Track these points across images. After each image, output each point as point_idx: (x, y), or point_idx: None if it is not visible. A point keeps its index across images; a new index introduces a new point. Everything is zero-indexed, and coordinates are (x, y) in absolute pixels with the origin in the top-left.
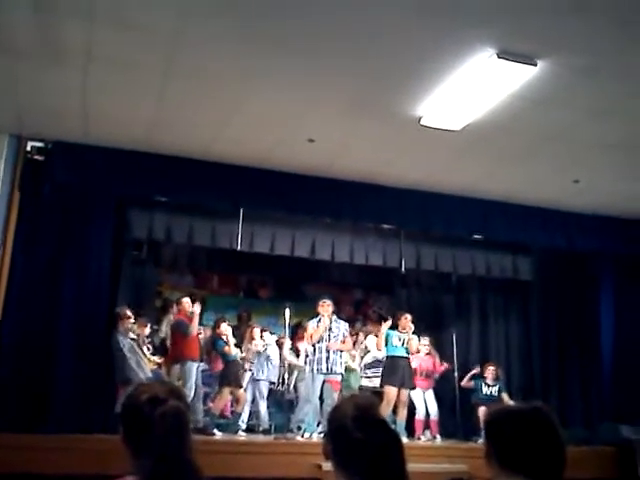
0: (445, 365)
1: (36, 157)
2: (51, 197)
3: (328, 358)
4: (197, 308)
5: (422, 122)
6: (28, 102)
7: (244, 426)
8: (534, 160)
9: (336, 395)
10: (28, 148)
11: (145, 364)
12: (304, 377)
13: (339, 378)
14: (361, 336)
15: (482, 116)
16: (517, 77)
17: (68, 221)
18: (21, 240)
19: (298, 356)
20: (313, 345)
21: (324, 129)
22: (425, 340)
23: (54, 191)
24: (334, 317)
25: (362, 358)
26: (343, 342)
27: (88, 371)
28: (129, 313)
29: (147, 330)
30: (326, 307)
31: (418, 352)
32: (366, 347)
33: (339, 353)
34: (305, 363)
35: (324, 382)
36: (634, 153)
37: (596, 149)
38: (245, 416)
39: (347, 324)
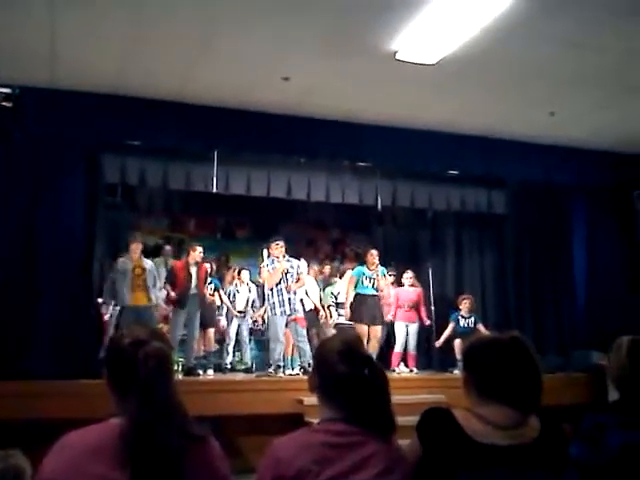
0: (428, 322)
1: (4, 104)
2: (22, 144)
3: (290, 299)
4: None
5: (397, 57)
6: None
7: (229, 365)
8: (509, 94)
9: (304, 331)
10: None
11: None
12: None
13: (302, 314)
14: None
15: (457, 50)
16: (492, 9)
17: (40, 168)
18: None
19: None
20: (271, 288)
21: (298, 67)
22: (408, 273)
23: (24, 138)
24: (287, 257)
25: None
26: (297, 280)
27: (69, 316)
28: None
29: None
30: (280, 248)
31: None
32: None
33: (300, 291)
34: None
35: (290, 321)
36: (608, 85)
37: (572, 81)
38: (230, 355)
39: (300, 261)
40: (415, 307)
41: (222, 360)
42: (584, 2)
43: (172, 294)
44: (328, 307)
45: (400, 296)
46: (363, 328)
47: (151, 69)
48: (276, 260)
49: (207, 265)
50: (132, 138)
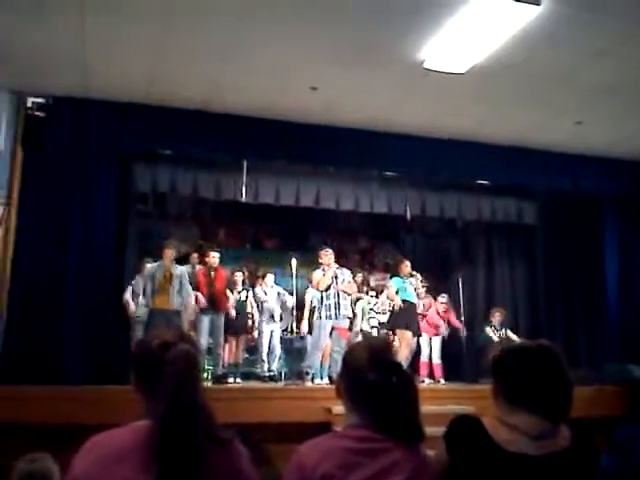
0: (459, 324)
1: (37, 113)
2: (54, 153)
3: (337, 304)
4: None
5: (425, 65)
6: (25, 57)
7: (265, 373)
8: (537, 102)
9: (344, 342)
10: (29, 104)
11: None
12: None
13: (347, 325)
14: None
15: (485, 59)
16: (521, 17)
17: (73, 176)
18: (26, 197)
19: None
20: (321, 292)
21: (326, 76)
22: (443, 298)
23: (57, 147)
24: (336, 265)
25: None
26: (349, 284)
27: (98, 324)
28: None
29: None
30: (329, 255)
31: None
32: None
33: (347, 298)
34: (313, 310)
35: (333, 329)
36: (634, 94)
37: (599, 90)
38: (265, 363)
39: (349, 271)
40: (439, 327)
41: (255, 368)
42: (610, 13)
43: (200, 299)
44: (372, 328)
45: (432, 317)
46: (409, 335)
47: (181, 78)
48: (326, 267)
49: (240, 273)
50: (163, 147)
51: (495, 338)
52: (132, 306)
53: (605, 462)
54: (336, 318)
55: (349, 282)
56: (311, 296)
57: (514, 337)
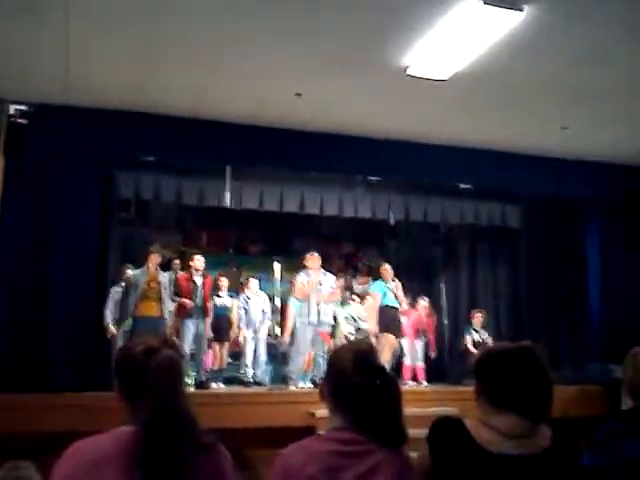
0: (433, 355)
1: (19, 121)
2: (37, 160)
3: (319, 311)
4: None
5: (408, 72)
6: (8, 64)
7: (249, 378)
8: (522, 108)
9: (327, 347)
10: (11, 111)
11: None
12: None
13: (329, 330)
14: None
15: (469, 65)
16: (504, 23)
17: (55, 183)
18: (8, 205)
19: None
20: (302, 300)
21: (310, 83)
22: (425, 301)
23: (39, 154)
24: (322, 270)
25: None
26: (332, 294)
27: (81, 332)
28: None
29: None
30: (315, 260)
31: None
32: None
33: (329, 305)
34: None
35: (315, 335)
36: (620, 99)
37: (583, 96)
38: (250, 369)
39: (334, 277)
40: (424, 333)
41: (239, 373)
42: (595, 17)
43: (184, 305)
44: (349, 334)
45: (414, 320)
46: (392, 338)
47: (165, 86)
48: (311, 272)
49: (225, 278)
50: (146, 154)
51: (476, 340)
52: (112, 329)
53: (587, 461)
54: (317, 324)
55: (332, 289)
56: (292, 302)
57: (489, 340)
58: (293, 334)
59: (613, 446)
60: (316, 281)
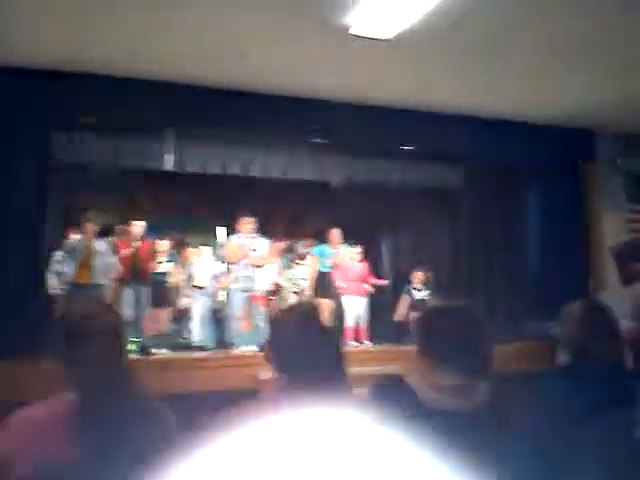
0: (383, 282)
1: None
2: None
3: (250, 277)
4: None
5: (351, 31)
6: None
7: (193, 343)
8: (466, 69)
9: (262, 309)
10: None
11: None
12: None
13: (262, 293)
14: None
15: (414, 24)
16: None
17: None
18: None
19: None
20: (233, 264)
21: (253, 42)
22: (357, 249)
23: None
24: (254, 234)
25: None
26: (263, 258)
27: (17, 296)
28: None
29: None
30: (247, 224)
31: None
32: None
33: (260, 270)
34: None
35: (249, 298)
36: (559, 60)
37: (523, 57)
38: (195, 333)
39: (268, 241)
40: (362, 281)
41: (183, 338)
42: None
43: (121, 270)
44: (291, 292)
45: (347, 271)
46: (328, 303)
47: (100, 42)
48: (243, 236)
49: (164, 243)
50: (85, 115)
51: (416, 299)
52: (51, 281)
53: (522, 415)
54: (249, 290)
55: (263, 253)
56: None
57: (430, 300)
58: (227, 299)
59: (545, 400)
60: (248, 245)
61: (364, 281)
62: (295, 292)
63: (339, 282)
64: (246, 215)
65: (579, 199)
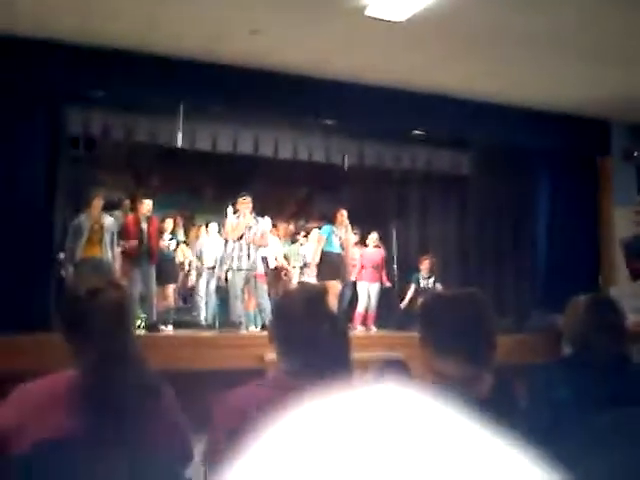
0: (389, 284)
1: None
2: None
3: (249, 255)
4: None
5: (367, 12)
6: None
7: (202, 321)
8: (476, 54)
9: (264, 287)
10: None
11: None
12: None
13: (262, 271)
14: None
15: (427, 7)
16: None
17: None
18: None
19: None
20: (233, 242)
21: (266, 20)
22: (373, 235)
23: None
24: (253, 214)
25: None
26: (261, 237)
27: (28, 272)
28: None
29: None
30: (246, 204)
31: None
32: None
33: (259, 249)
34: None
35: (250, 277)
36: (572, 49)
37: (536, 42)
38: (202, 311)
39: (265, 219)
40: (377, 268)
41: (191, 316)
42: None
43: (130, 247)
44: (294, 267)
45: (364, 257)
46: (335, 285)
47: (115, 19)
48: (241, 215)
49: (170, 220)
50: (96, 89)
51: (423, 286)
52: (62, 256)
53: (524, 406)
54: (249, 269)
55: (262, 233)
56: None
57: (438, 286)
58: (227, 279)
59: (547, 392)
60: (244, 225)
61: (379, 268)
62: (300, 268)
63: (353, 266)
64: (244, 194)
65: (591, 191)
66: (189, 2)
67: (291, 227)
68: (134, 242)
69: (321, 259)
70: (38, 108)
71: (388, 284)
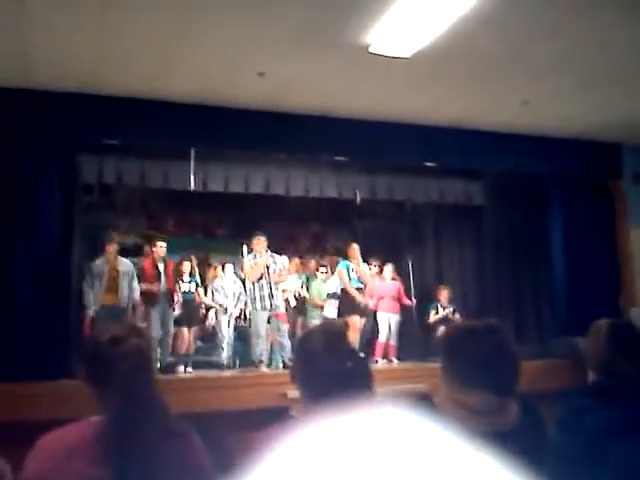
0: (409, 302)
1: None
2: None
3: (271, 294)
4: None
5: (371, 50)
6: None
7: (223, 361)
8: (484, 84)
9: (285, 327)
10: None
11: None
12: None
13: (283, 310)
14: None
15: (431, 42)
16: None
17: (15, 169)
18: None
19: None
20: (253, 283)
21: (272, 62)
22: (389, 267)
23: None
24: (269, 252)
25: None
26: (279, 275)
27: (48, 318)
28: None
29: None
30: (261, 243)
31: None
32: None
33: (279, 287)
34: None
35: (271, 316)
36: (580, 73)
37: (543, 70)
38: (223, 352)
39: (284, 257)
40: (396, 299)
41: (211, 356)
42: None
43: (148, 290)
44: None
45: (381, 289)
46: (357, 320)
47: (127, 68)
48: (258, 255)
49: (187, 263)
50: (109, 137)
51: (442, 316)
52: (82, 303)
53: (552, 435)
54: (270, 308)
55: (280, 270)
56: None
57: (457, 316)
58: (251, 319)
59: (576, 420)
60: (262, 264)
61: (398, 299)
62: (321, 306)
63: (371, 299)
64: (258, 233)
65: (605, 214)
66: (199, 50)
67: (311, 262)
68: (154, 285)
69: (341, 296)
70: (53, 156)
71: (409, 302)
